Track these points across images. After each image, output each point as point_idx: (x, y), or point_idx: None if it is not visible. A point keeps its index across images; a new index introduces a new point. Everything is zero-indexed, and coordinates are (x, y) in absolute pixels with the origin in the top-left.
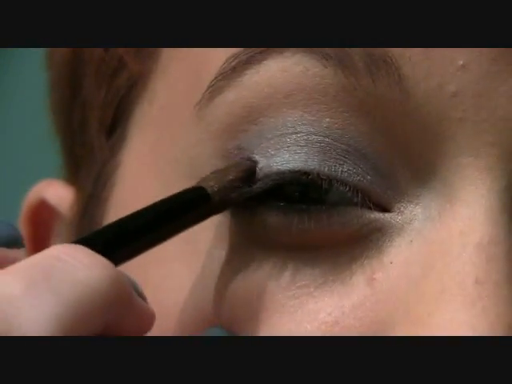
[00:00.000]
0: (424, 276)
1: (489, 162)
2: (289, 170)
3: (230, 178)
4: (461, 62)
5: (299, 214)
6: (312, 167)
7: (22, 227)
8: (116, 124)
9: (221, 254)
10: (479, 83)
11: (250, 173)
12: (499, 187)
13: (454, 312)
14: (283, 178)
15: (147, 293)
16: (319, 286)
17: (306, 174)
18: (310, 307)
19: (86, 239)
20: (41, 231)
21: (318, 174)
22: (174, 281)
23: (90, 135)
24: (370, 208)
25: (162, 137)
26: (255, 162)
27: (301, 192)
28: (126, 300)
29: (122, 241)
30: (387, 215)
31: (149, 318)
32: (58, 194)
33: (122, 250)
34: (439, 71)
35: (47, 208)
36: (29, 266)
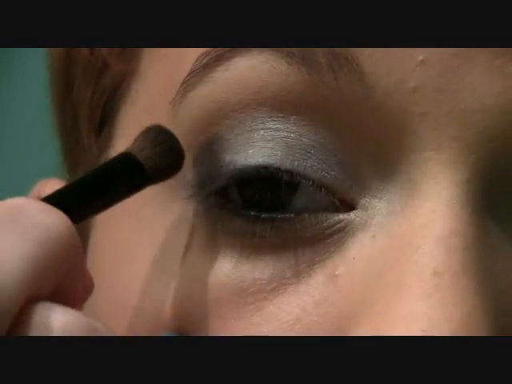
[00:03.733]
0: (386, 269)
1: (450, 155)
2: (250, 165)
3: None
4: (421, 58)
5: (262, 223)
6: (273, 161)
7: None
8: (104, 123)
9: (185, 256)
10: (439, 78)
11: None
12: (460, 180)
13: (411, 303)
14: (244, 172)
15: (115, 292)
16: (278, 287)
17: (266, 168)
18: (267, 309)
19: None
20: None
21: (280, 168)
22: (139, 282)
23: (81, 133)
24: (334, 206)
25: None
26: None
27: (270, 191)
28: (80, 253)
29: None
30: (352, 214)
31: (91, 284)
32: None
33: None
34: (399, 67)
35: None
36: None
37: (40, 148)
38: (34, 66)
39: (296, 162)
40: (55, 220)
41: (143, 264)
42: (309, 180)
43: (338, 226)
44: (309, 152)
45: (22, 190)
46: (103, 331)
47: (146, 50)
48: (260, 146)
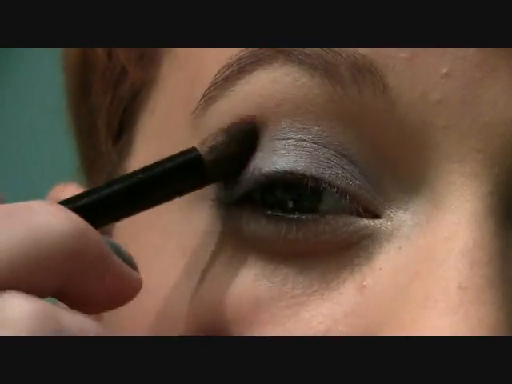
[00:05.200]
0: (411, 282)
1: (474, 167)
2: (276, 171)
3: (225, 144)
4: (444, 70)
5: (288, 223)
6: (299, 168)
7: None
8: (122, 130)
9: (213, 261)
10: (463, 90)
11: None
12: (484, 192)
13: (436, 318)
14: (269, 178)
15: (140, 299)
16: (311, 295)
17: (292, 173)
18: (301, 316)
19: (66, 200)
20: None
21: (305, 174)
22: (165, 290)
23: (98, 139)
24: (359, 214)
25: (164, 145)
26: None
27: (294, 200)
28: (94, 255)
29: (101, 204)
30: (377, 221)
31: (132, 283)
32: None
33: (101, 213)
34: (423, 80)
35: None
36: None
37: (58, 151)
38: (50, 67)
39: (321, 169)
40: (62, 222)
41: (169, 273)
42: (333, 187)
43: (364, 232)
44: (332, 161)
45: (39, 195)
46: (70, 325)
47: (165, 58)
48: (283, 155)
